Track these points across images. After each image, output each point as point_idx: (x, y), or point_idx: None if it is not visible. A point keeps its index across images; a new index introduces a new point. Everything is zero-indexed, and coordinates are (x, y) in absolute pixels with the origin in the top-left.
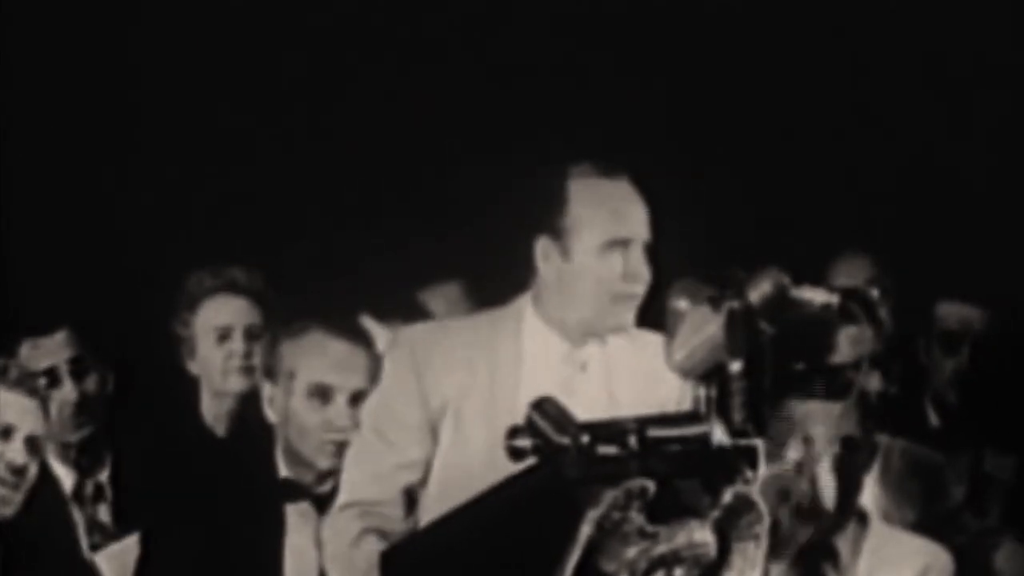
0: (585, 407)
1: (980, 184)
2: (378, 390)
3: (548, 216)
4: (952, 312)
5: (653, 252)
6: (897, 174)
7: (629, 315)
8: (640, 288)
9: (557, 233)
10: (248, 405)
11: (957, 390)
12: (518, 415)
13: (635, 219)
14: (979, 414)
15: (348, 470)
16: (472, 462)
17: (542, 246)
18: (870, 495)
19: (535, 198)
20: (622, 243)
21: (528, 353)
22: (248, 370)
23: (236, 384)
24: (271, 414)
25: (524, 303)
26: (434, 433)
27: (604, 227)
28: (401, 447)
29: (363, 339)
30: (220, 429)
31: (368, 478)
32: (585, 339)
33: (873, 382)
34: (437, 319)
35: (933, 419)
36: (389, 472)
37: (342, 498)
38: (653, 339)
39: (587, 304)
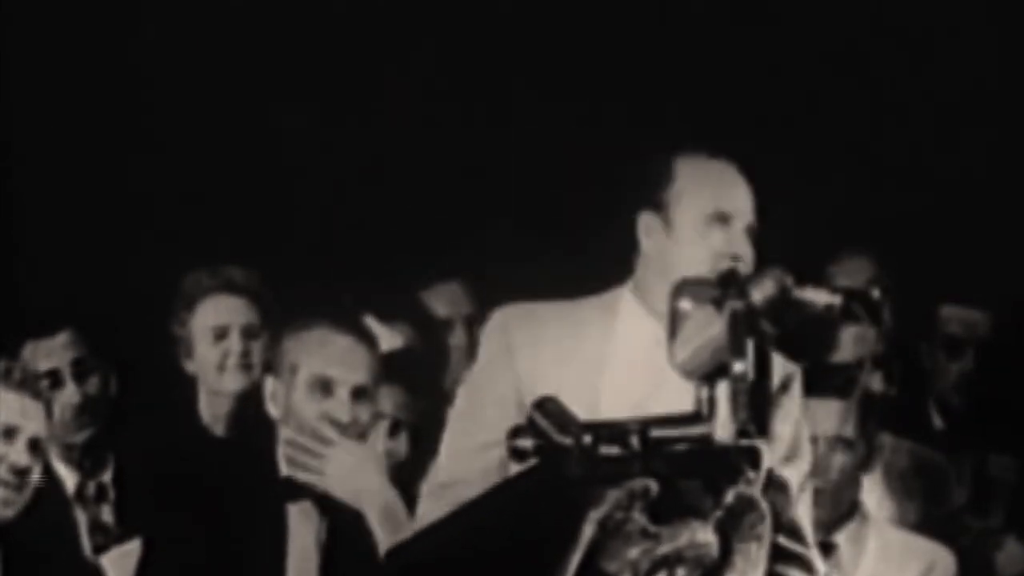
0: (673, 398)
1: (983, 186)
2: (473, 370)
3: (653, 191)
4: (956, 316)
5: (757, 239)
6: (900, 175)
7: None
8: (742, 267)
9: (660, 206)
10: (246, 404)
11: (962, 393)
12: (600, 401)
13: (740, 197)
14: (983, 417)
15: (444, 449)
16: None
17: (644, 221)
18: (874, 495)
19: (641, 176)
20: (724, 218)
21: (620, 338)
22: (245, 369)
23: (233, 383)
24: (273, 409)
25: (621, 291)
26: (519, 416)
27: (708, 199)
28: (492, 425)
29: (366, 336)
30: (218, 429)
31: (464, 455)
32: None
33: (875, 382)
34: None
35: (937, 421)
36: (479, 450)
37: (439, 477)
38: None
39: (689, 274)
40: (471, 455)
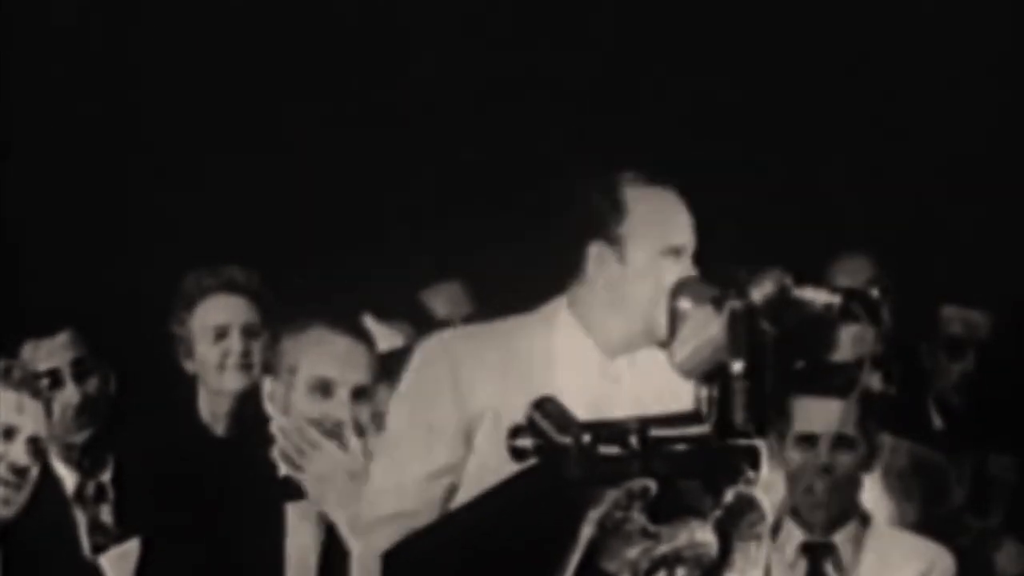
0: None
1: (984, 186)
2: (406, 398)
3: (605, 222)
4: (957, 316)
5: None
6: (899, 175)
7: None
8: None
9: (614, 239)
10: (245, 404)
11: (962, 394)
12: None
13: (687, 228)
14: (983, 417)
15: (380, 481)
16: (510, 466)
17: (597, 251)
18: (873, 496)
19: (591, 204)
20: (677, 251)
21: (561, 359)
22: (245, 368)
23: (233, 382)
24: (272, 410)
25: (557, 308)
26: (468, 439)
27: (661, 236)
28: (437, 454)
29: (365, 336)
30: (218, 428)
31: (404, 487)
32: (622, 350)
33: (874, 382)
34: (460, 325)
35: (937, 421)
36: (426, 480)
37: (384, 509)
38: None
39: (641, 308)
40: (418, 486)
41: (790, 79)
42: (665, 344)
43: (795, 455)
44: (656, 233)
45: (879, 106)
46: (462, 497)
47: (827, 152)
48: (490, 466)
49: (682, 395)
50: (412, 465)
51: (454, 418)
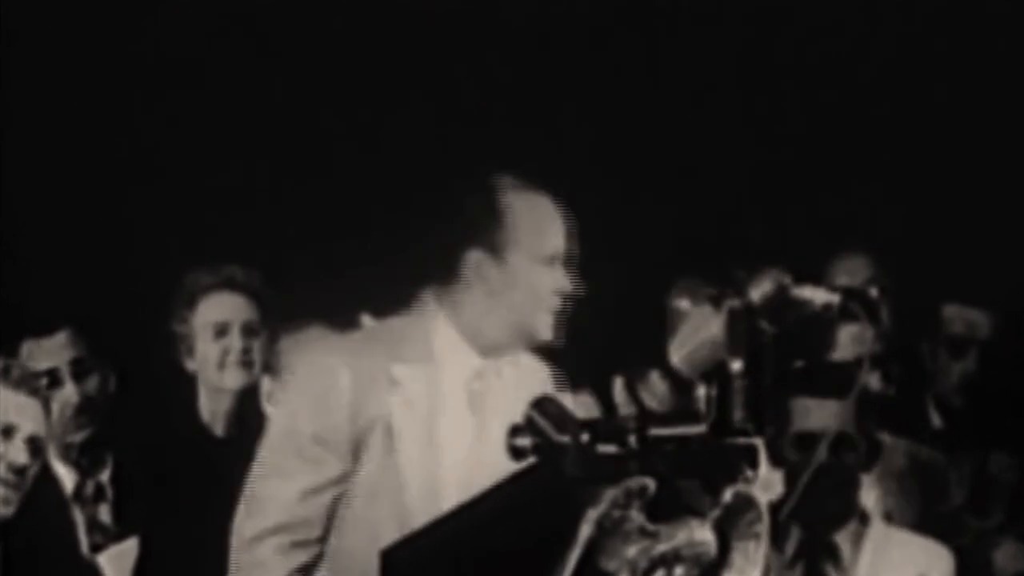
0: (496, 421)
1: (984, 186)
2: (291, 409)
3: (484, 229)
4: (958, 316)
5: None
6: (898, 175)
7: (549, 329)
8: (564, 302)
9: (492, 246)
10: (245, 402)
11: (963, 394)
12: (445, 424)
13: (561, 234)
14: (984, 416)
15: (263, 492)
16: (406, 471)
17: (475, 259)
18: (873, 495)
19: (468, 211)
20: (553, 258)
21: (440, 364)
22: (245, 366)
23: (233, 380)
24: (270, 409)
25: (434, 313)
26: (357, 449)
27: (540, 244)
28: (325, 466)
29: None
30: (217, 427)
31: (288, 500)
32: (499, 352)
33: (873, 382)
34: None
35: (936, 420)
36: (312, 492)
37: (260, 523)
38: (537, 365)
39: (518, 313)
40: (303, 498)
41: (790, 79)
42: (540, 343)
43: (794, 454)
44: (534, 240)
45: (879, 106)
46: (358, 504)
47: (827, 152)
48: (385, 472)
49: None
50: (297, 477)
51: (343, 429)
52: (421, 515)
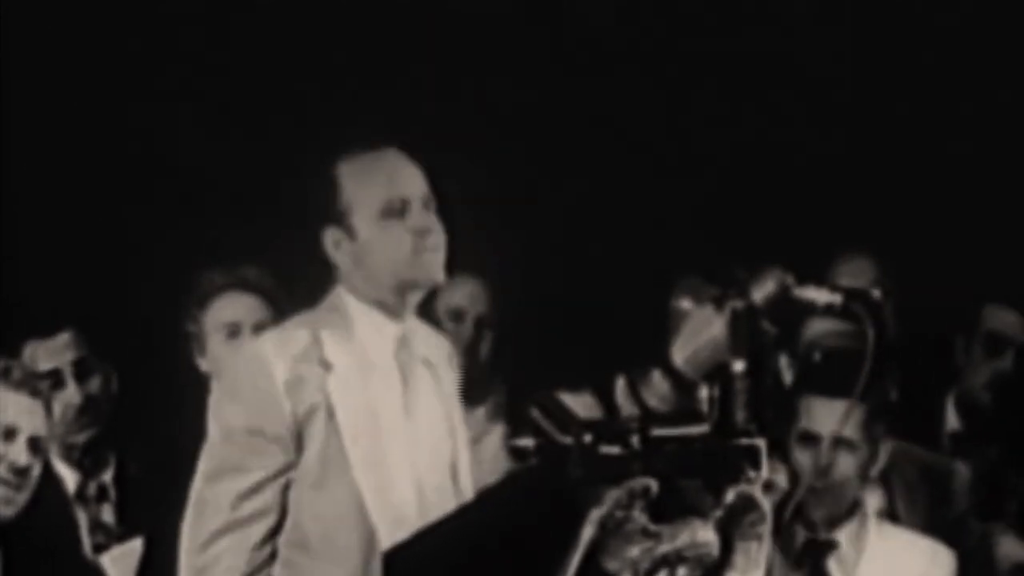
0: (423, 392)
1: (989, 186)
2: (228, 406)
3: (326, 205)
4: (998, 314)
5: (440, 206)
6: (903, 175)
7: (436, 268)
8: (433, 239)
9: (338, 218)
10: None
11: (992, 391)
12: (379, 406)
13: (407, 179)
14: (1007, 418)
15: (208, 493)
16: (349, 455)
17: (330, 235)
18: (876, 496)
19: (310, 192)
20: (399, 205)
21: (364, 339)
22: None
23: None
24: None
25: (339, 294)
26: (299, 437)
27: (376, 194)
28: (271, 458)
29: None
30: None
31: (238, 496)
32: (401, 307)
33: (876, 384)
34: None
35: (952, 422)
36: (260, 484)
37: (212, 524)
38: (431, 330)
39: (388, 272)
40: (252, 492)
41: (790, 78)
42: (425, 284)
43: (797, 453)
44: (372, 195)
45: (883, 105)
46: (304, 487)
47: (831, 151)
48: (329, 459)
49: (451, 366)
50: (242, 473)
51: (284, 421)
52: (371, 494)
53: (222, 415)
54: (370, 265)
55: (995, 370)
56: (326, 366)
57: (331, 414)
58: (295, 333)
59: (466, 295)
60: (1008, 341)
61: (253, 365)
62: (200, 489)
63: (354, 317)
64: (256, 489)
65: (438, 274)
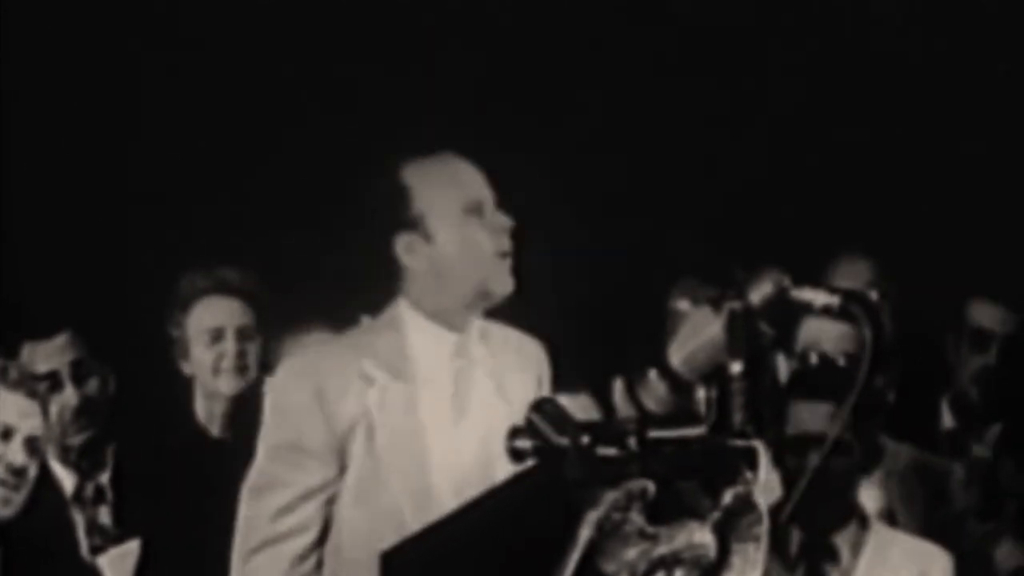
0: (477, 399)
1: (988, 186)
2: (272, 422)
3: (397, 212)
4: (983, 310)
5: (506, 208)
6: (900, 176)
7: (509, 276)
8: (508, 243)
9: (412, 224)
10: (241, 405)
11: (979, 385)
12: (425, 420)
13: (478, 182)
14: (998, 415)
15: (250, 510)
16: (389, 471)
17: (403, 242)
18: (875, 498)
19: (378, 199)
20: (477, 206)
21: (415, 354)
22: (240, 371)
23: (228, 385)
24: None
25: (397, 306)
26: (341, 454)
27: (454, 198)
28: (311, 474)
29: None
30: (213, 429)
31: (280, 511)
32: (466, 319)
33: (872, 386)
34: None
35: (947, 421)
36: (300, 500)
37: (255, 538)
38: (514, 334)
39: (468, 275)
40: (297, 507)
41: (791, 79)
42: (501, 294)
43: (789, 457)
44: (447, 198)
45: (882, 105)
46: (345, 504)
47: (828, 152)
48: (367, 474)
49: (529, 368)
50: (284, 488)
51: (324, 436)
52: (411, 511)
53: (265, 430)
54: (448, 267)
55: (981, 365)
56: (368, 381)
57: (372, 430)
58: (339, 348)
59: None
60: (992, 335)
61: (294, 380)
62: (244, 504)
63: (409, 330)
64: (296, 504)
65: (510, 284)
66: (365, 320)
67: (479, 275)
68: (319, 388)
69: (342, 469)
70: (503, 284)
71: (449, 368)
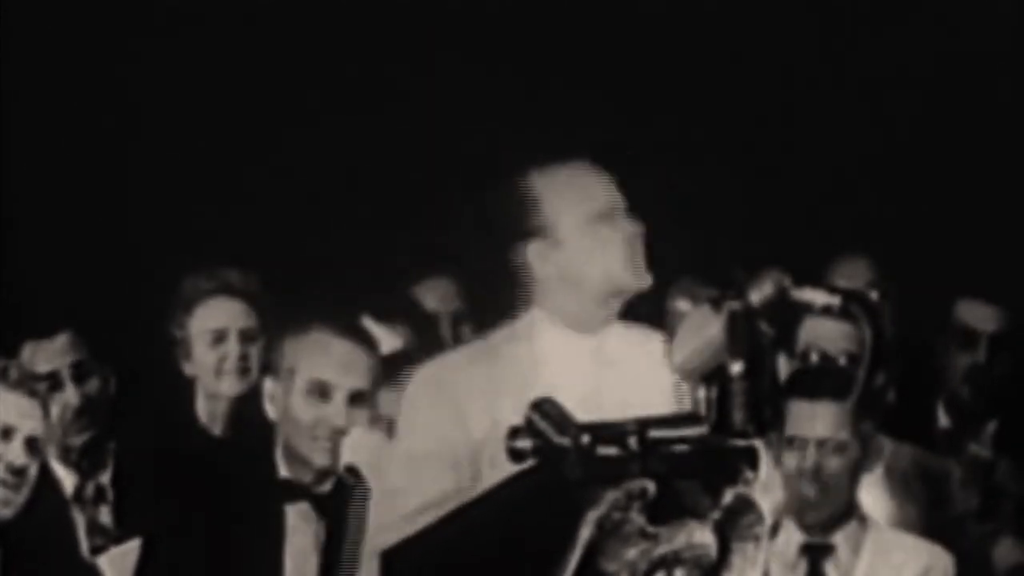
0: (617, 403)
1: (988, 186)
2: (407, 432)
3: (526, 219)
4: (969, 309)
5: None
6: (900, 177)
7: (645, 273)
8: (640, 245)
9: (541, 231)
10: (244, 406)
11: (970, 384)
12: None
13: (607, 188)
14: (992, 414)
15: (389, 509)
16: None
17: (532, 249)
18: (874, 498)
19: (507, 208)
20: (609, 212)
21: (551, 361)
22: (243, 372)
23: (230, 387)
24: (271, 411)
25: (533, 314)
26: (474, 464)
27: (584, 205)
28: (445, 481)
29: (366, 340)
30: (215, 430)
31: (415, 512)
32: (602, 320)
33: (873, 385)
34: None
35: (943, 421)
36: (435, 506)
37: (389, 538)
38: (644, 333)
39: (600, 278)
40: (422, 516)
41: (791, 78)
42: (636, 288)
43: (787, 457)
44: (576, 206)
45: (882, 106)
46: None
47: (828, 153)
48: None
49: (662, 366)
50: (415, 496)
51: (459, 445)
52: None
53: (400, 436)
54: (581, 273)
55: (970, 365)
56: (499, 391)
57: (501, 448)
58: (474, 357)
59: (437, 296)
60: (979, 334)
61: (427, 388)
62: (376, 506)
63: (544, 337)
64: (429, 509)
65: (647, 278)
66: (496, 331)
67: (612, 277)
68: (454, 397)
69: (476, 477)
70: (638, 280)
71: (584, 372)
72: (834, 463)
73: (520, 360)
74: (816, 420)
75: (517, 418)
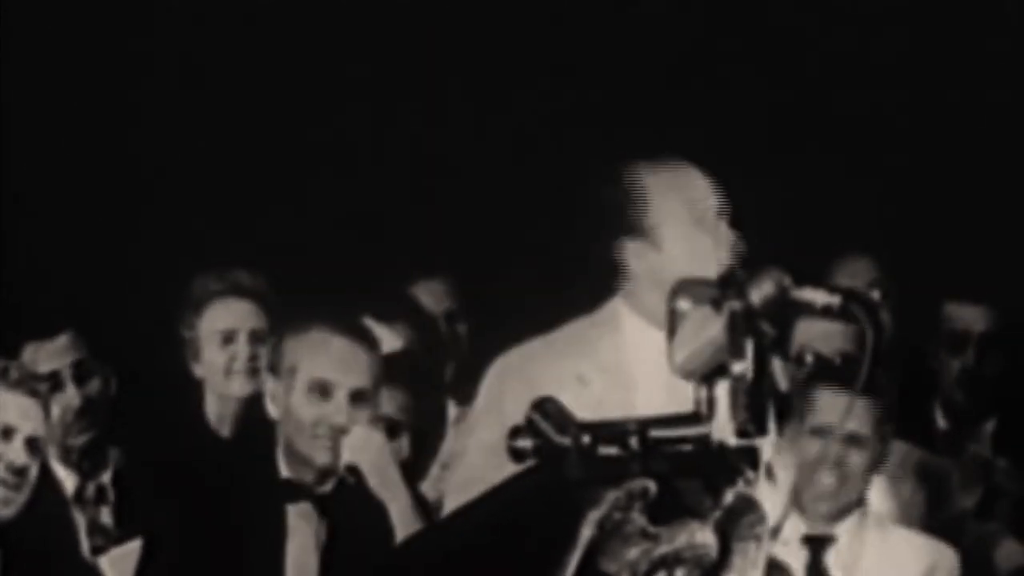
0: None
1: (984, 186)
2: (484, 421)
3: (631, 217)
4: (957, 312)
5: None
6: (898, 175)
7: None
8: (735, 253)
9: (643, 231)
10: (252, 407)
11: (963, 388)
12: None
13: (711, 196)
14: (986, 414)
15: (463, 499)
16: None
17: (631, 247)
18: (878, 495)
19: (613, 204)
20: (706, 220)
21: (633, 357)
22: (252, 373)
23: (240, 387)
24: (273, 410)
25: (616, 307)
26: None
27: (687, 210)
28: (477, 468)
29: (367, 339)
30: (224, 431)
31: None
32: None
33: (879, 382)
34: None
35: (941, 422)
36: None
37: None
38: None
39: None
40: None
41: (791, 79)
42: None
43: (809, 446)
44: (680, 211)
45: (882, 105)
46: None
47: (829, 152)
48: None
49: None
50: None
51: (494, 440)
52: None
53: (472, 426)
54: (672, 277)
55: (961, 367)
56: (584, 382)
57: None
58: (555, 347)
59: (430, 295)
60: (969, 335)
61: (508, 379)
62: (451, 496)
63: (628, 331)
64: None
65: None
66: (576, 322)
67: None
68: (533, 388)
69: None
70: None
71: (666, 370)
72: (856, 457)
73: (602, 355)
74: (845, 413)
75: (590, 412)
